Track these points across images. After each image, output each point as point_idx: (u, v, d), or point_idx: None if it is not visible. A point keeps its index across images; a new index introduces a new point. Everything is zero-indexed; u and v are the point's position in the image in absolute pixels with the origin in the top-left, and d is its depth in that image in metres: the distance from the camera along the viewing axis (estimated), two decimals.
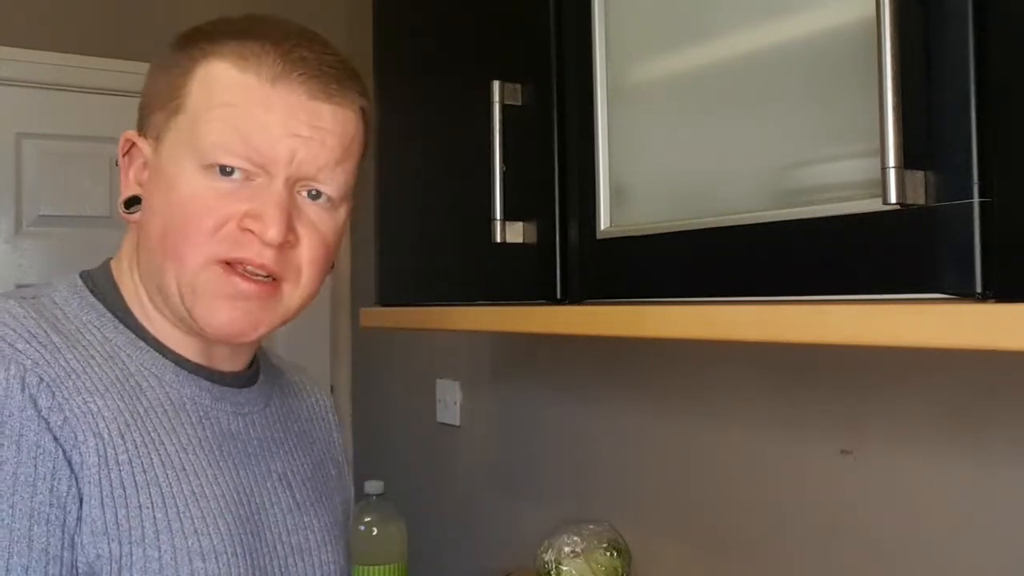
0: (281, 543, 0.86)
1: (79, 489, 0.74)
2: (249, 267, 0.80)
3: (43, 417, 0.73)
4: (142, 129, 0.85)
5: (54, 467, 0.73)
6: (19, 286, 2.23)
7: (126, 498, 0.75)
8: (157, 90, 0.84)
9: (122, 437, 0.76)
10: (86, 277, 0.86)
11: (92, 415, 0.75)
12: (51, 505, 0.72)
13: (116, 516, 0.74)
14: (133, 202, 0.85)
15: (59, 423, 0.73)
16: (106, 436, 0.75)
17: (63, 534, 0.72)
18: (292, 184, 0.81)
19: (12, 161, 2.25)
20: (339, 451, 1.04)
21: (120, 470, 0.75)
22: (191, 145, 0.80)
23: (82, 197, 2.31)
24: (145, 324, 0.84)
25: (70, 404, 0.74)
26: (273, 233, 0.79)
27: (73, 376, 0.76)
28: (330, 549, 0.92)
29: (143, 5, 2.32)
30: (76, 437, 0.74)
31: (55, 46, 2.24)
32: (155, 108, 0.83)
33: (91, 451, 0.74)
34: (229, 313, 0.81)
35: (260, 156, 0.79)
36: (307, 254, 0.82)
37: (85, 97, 2.30)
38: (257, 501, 0.85)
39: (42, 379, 0.74)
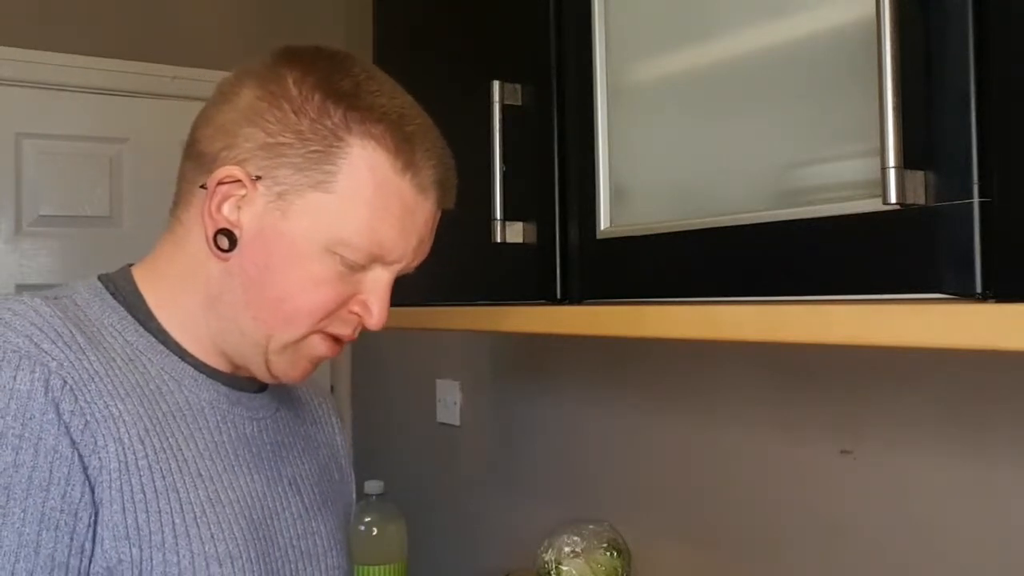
0: (292, 547, 0.87)
1: (95, 495, 0.74)
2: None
3: (64, 421, 0.73)
4: (241, 162, 0.80)
5: (69, 473, 0.72)
6: (19, 286, 2.23)
7: (146, 503, 0.75)
8: (284, 138, 0.80)
9: (142, 442, 0.76)
10: (106, 280, 0.86)
11: (113, 419, 0.75)
12: (62, 511, 0.72)
13: (137, 521, 0.75)
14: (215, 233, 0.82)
15: (80, 427, 0.73)
16: (126, 441, 0.75)
17: (71, 541, 0.72)
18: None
19: (12, 161, 2.25)
20: (342, 454, 1.04)
21: (140, 475, 0.75)
22: (332, 231, 0.80)
23: (82, 197, 2.31)
24: (169, 329, 0.84)
25: (92, 408, 0.74)
26: (377, 323, 0.84)
27: (96, 379, 0.76)
28: (335, 553, 0.93)
29: (143, 5, 2.32)
30: (96, 442, 0.74)
31: (55, 46, 2.24)
32: (279, 159, 0.80)
33: (111, 456, 0.74)
34: (306, 369, 0.87)
35: (391, 258, 0.83)
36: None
37: (85, 97, 2.30)
38: (269, 506, 0.86)
39: (66, 382, 0.74)
